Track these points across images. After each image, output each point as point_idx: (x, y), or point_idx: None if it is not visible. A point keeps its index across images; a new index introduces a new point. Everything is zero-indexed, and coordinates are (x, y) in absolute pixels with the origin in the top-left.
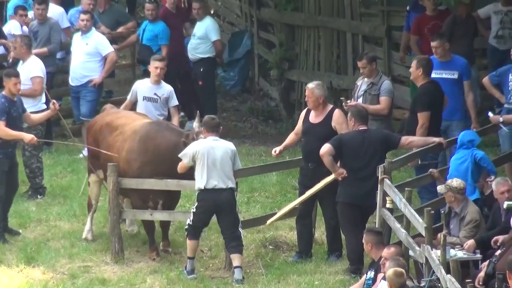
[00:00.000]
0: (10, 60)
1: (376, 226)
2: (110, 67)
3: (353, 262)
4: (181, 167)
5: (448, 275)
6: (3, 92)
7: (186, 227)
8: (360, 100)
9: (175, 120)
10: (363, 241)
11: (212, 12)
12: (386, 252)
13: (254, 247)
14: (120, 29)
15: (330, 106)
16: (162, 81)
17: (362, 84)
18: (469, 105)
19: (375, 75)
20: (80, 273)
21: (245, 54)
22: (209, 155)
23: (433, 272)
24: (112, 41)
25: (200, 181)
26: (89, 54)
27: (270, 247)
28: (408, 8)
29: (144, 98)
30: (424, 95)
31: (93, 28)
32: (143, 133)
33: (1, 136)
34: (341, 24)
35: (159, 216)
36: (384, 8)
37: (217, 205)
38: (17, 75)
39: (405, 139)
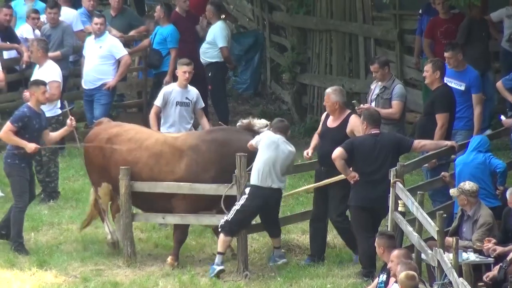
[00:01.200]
0: (24, 65)
1: (388, 229)
2: (124, 70)
3: (366, 266)
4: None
5: (461, 279)
6: (29, 103)
7: (222, 223)
8: (373, 104)
9: (204, 122)
10: (376, 244)
11: (224, 16)
12: (393, 254)
13: (267, 251)
14: (132, 33)
15: (347, 112)
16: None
17: (375, 88)
18: (475, 119)
19: (388, 79)
20: (93, 276)
21: (255, 43)
22: (272, 151)
23: (445, 275)
24: (125, 45)
25: (256, 178)
26: (103, 57)
27: (282, 250)
28: (420, 11)
29: (178, 103)
30: (443, 97)
31: (107, 32)
32: (214, 141)
33: (3, 139)
34: (353, 28)
35: (171, 219)
36: (396, 12)
37: (267, 204)
38: (45, 83)
39: (418, 143)
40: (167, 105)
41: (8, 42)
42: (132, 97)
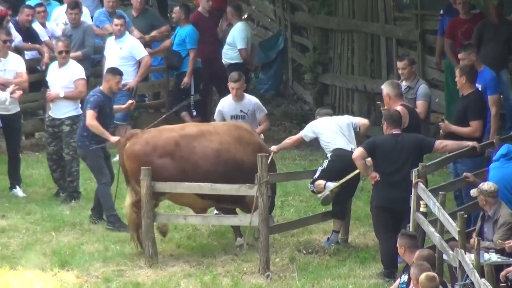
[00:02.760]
0: (44, 67)
1: (410, 230)
2: (144, 71)
3: (387, 266)
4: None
5: (482, 279)
6: (101, 88)
7: (310, 184)
8: None
9: (263, 126)
10: (397, 244)
11: (246, 16)
12: (415, 256)
13: (288, 251)
14: (153, 33)
15: (398, 103)
16: (245, 95)
17: None
18: (491, 120)
19: (412, 79)
20: (114, 277)
21: (278, 54)
22: (330, 123)
23: (467, 276)
24: (146, 45)
25: (335, 144)
26: (124, 58)
27: (304, 251)
28: (441, 11)
29: (232, 117)
30: (475, 104)
31: (127, 32)
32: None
33: (90, 126)
34: (375, 28)
35: (193, 220)
36: (418, 12)
37: (346, 166)
38: (122, 73)
39: (439, 143)
40: (225, 119)
41: (29, 43)
42: (154, 97)
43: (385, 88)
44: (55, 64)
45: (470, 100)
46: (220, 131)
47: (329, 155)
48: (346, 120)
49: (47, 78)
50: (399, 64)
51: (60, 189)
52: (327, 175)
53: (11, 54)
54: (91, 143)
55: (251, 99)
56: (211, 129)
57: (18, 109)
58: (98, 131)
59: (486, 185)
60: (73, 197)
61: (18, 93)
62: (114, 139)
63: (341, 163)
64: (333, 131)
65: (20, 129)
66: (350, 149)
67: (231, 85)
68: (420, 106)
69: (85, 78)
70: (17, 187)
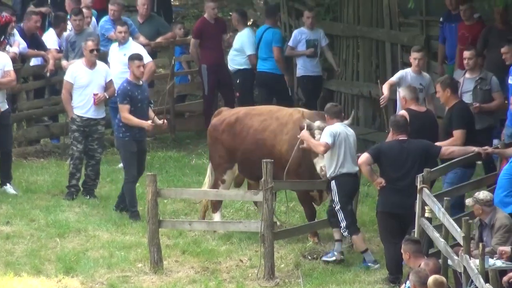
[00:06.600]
0: (48, 73)
1: (415, 235)
2: (149, 77)
3: (392, 272)
4: (326, 148)
5: (487, 284)
6: (128, 77)
7: (343, 228)
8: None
9: (431, 107)
10: (402, 250)
11: (251, 22)
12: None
13: (293, 257)
14: (159, 39)
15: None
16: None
17: (464, 81)
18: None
19: (480, 70)
20: (119, 283)
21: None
22: (346, 140)
23: (472, 281)
24: (150, 52)
25: (335, 167)
26: (128, 65)
27: (309, 256)
28: (441, 19)
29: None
30: (459, 113)
31: (130, 39)
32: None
33: (124, 121)
34: (380, 34)
35: (198, 226)
36: (423, 18)
37: (353, 190)
38: (141, 57)
39: (445, 149)
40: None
41: (35, 49)
42: (161, 103)
43: (402, 91)
44: (79, 65)
45: (454, 110)
46: (275, 116)
47: (332, 186)
48: (352, 140)
49: (76, 81)
50: (466, 54)
51: (76, 191)
52: (347, 209)
53: None
54: (124, 135)
55: (427, 75)
56: (267, 110)
57: (7, 106)
58: (133, 123)
59: (482, 195)
60: (93, 195)
61: None
62: (147, 123)
63: (348, 196)
64: (346, 145)
65: (10, 125)
66: (354, 172)
67: (414, 55)
68: (499, 96)
69: None
70: (8, 184)
